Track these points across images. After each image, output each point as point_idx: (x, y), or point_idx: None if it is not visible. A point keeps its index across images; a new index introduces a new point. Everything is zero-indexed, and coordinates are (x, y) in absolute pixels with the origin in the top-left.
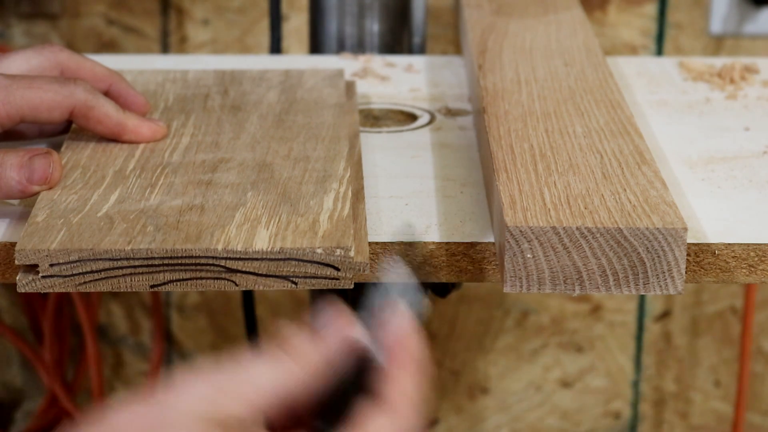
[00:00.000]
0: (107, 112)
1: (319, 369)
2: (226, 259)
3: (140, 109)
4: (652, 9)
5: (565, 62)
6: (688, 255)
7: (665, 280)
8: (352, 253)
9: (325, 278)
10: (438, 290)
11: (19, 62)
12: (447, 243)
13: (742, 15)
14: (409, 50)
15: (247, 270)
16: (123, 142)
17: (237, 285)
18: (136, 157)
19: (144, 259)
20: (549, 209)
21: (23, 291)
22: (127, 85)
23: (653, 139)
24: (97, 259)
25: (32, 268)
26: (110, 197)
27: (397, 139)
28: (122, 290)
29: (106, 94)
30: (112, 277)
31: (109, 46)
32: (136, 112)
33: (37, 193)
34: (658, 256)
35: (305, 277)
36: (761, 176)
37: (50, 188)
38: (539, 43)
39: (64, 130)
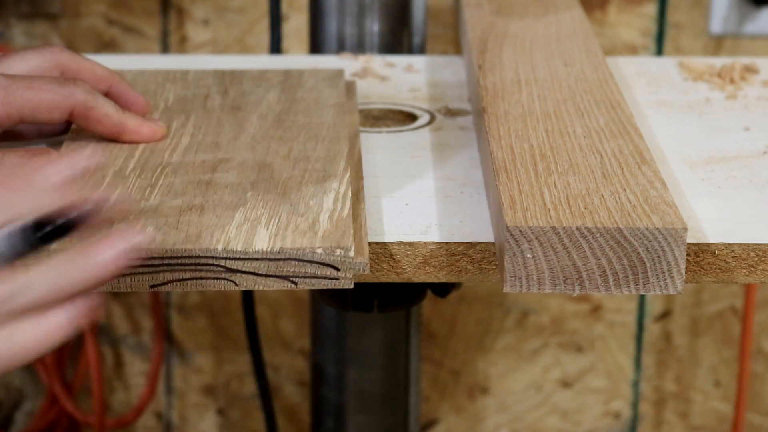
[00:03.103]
0: (107, 112)
1: None
2: (226, 259)
3: (140, 109)
4: (652, 9)
5: (565, 62)
6: (688, 255)
7: (665, 280)
8: (352, 253)
9: (325, 278)
10: (438, 290)
11: (19, 63)
12: (447, 243)
13: (742, 15)
14: (409, 50)
15: (247, 270)
16: (123, 142)
17: (237, 285)
18: (136, 157)
19: (144, 259)
20: (549, 209)
21: None
22: (127, 86)
23: (653, 139)
24: None
25: None
26: (110, 197)
27: (397, 139)
28: (122, 290)
29: (107, 94)
30: None
31: (109, 46)
32: (136, 112)
33: None
34: (658, 256)
35: (305, 277)
36: (761, 176)
37: None
38: (539, 44)
39: (64, 130)
